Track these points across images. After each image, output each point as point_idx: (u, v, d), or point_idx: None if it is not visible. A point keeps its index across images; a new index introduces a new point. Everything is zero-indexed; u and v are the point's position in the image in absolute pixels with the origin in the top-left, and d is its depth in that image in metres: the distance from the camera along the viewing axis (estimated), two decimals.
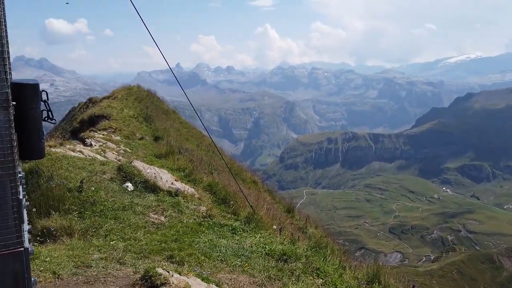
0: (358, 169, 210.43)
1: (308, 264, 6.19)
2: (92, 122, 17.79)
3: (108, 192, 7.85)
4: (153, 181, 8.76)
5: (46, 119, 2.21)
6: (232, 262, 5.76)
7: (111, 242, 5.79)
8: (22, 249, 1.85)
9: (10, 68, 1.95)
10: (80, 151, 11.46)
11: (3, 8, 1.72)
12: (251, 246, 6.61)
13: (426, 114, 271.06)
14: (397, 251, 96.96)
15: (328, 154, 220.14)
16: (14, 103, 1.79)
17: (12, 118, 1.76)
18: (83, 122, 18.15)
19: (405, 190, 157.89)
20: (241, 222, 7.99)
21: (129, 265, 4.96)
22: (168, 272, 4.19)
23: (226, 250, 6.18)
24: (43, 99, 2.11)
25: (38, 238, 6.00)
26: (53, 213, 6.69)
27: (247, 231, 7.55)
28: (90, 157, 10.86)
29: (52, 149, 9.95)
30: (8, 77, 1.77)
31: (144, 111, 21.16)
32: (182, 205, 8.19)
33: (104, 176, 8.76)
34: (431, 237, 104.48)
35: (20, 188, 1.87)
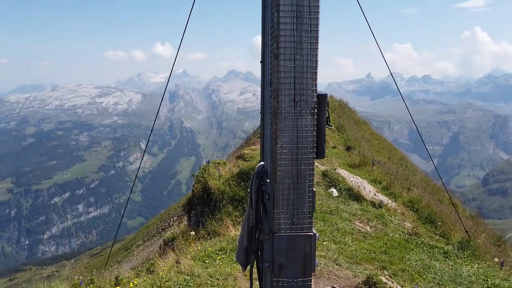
0: None
1: None
2: None
3: (315, 195, 8.38)
4: (357, 190, 8.88)
5: (325, 124, 2.55)
6: None
7: (324, 243, 6.15)
8: (312, 233, 2.17)
9: None
10: None
11: (318, 24, 2.00)
12: (469, 276, 5.89)
13: None
14: None
15: None
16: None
17: (315, 122, 2.11)
18: None
19: None
20: (454, 246, 7.23)
21: (344, 268, 5.16)
22: (393, 283, 4.16)
23: (441, 273, 5.69)
24: (327, 108, 2.44)
25: None
26: None
27: (461, 258, 6.78)
28: None
29: None
30: (316, 88, 2.13)
31: (337, 121, 21.72)
32: (386, 217, 8.01)
33: None
34: None
35: (313, 182, 2.20)
